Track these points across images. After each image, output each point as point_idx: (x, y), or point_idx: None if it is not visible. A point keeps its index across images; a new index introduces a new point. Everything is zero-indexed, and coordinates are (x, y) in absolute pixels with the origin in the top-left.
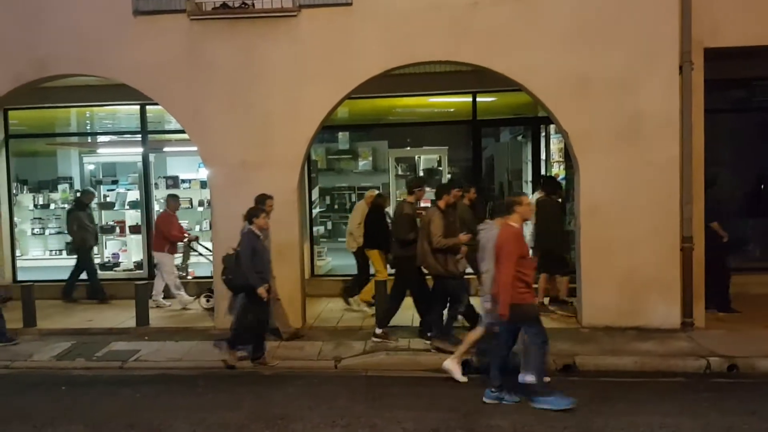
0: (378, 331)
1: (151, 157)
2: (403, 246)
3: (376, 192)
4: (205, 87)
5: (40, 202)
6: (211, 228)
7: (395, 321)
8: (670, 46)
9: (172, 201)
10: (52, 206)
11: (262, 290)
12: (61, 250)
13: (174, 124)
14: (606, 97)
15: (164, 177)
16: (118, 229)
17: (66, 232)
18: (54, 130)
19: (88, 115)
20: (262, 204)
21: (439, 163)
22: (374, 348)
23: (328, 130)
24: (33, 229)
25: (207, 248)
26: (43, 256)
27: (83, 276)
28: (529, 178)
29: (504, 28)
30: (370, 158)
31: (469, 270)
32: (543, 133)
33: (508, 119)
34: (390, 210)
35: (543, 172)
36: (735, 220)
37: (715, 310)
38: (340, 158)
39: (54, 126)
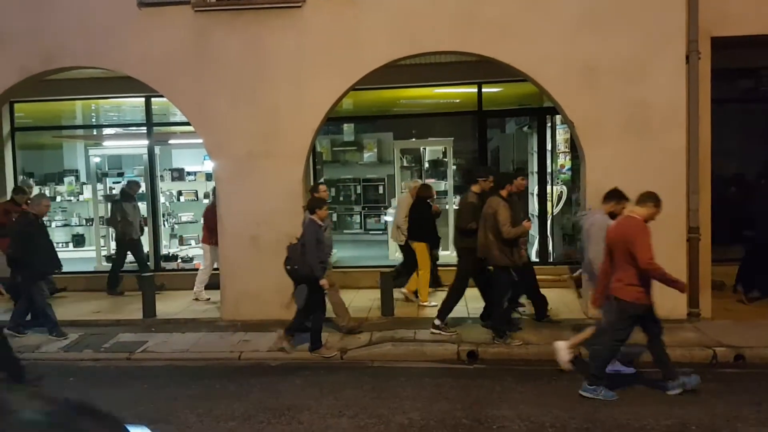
0: (437, 322)
1: (157, 149)
2: (465, 236)
3: (419, 182)
4: (210, 79)
5: (47, 195)
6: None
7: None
8: (677, 36)
9: None
10: (59, 199)
11: (324, 281)
12: (67, 242)
13: (179, 117)
14: (612, 87)
15: (170, 169)
16: None
17: (108, 224)
18: (60, 123)
19: (93, 107)
20: (314, 190)
21: (445, 154)
22: (381, 339)
23: (333, 121)
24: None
25: None
26: None
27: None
28: (535, 169)
29: (510, 18)
30: (375, 150)
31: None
32: (549, 124)
33: (514, 110)
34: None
35: (549, 163)
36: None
37: (758, 293)
38: (345, 150)
39: (60, 118)
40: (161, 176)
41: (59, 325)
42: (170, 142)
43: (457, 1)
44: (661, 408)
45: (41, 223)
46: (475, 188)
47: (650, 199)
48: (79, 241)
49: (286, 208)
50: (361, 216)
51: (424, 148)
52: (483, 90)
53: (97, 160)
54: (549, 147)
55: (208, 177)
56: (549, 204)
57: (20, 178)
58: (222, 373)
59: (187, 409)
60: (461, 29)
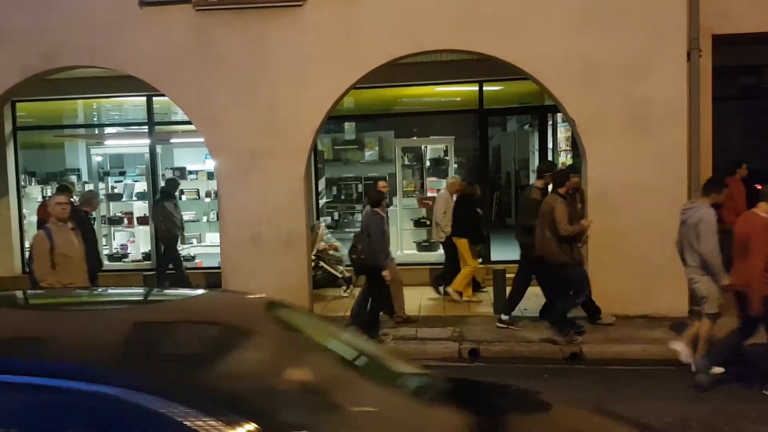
0: (503, 317)
1: (158, 148)
2: (528, 232)
3: (457, 178)
4: (212, 77)
5: (48, 194)
6: (218, 218)
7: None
8: (678, 33)
9: None
10: None
11: (387, 273)
12: None
13: (181, 116)
14: (613, 84)
15: (171, 168)
16: (126, 221)
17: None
18: (61, 122)
19: (95, 106)
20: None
21: (446, 152)
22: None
23: (334, 120)
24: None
25: None
26: None
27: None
28: (536, 167)
29: (511, 16)
30: (377, 148)
31: None
32: (550, 122)
33: (515, 108)
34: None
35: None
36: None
37: None
38: (346, 148)
39: (61, 118)
40: (163, 175)
41: None
42: (172, 141)
43: None
44: (662, 404)
45: (90, 220)
46: (538, 183)
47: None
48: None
49: (288, 207)
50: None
51: (426, 147)
52: (484, 88)
53: (99, 159)
54: (550, 145)
55: (210, 176)
56: None
57: (22, 176)
58: None
59: None
60: (462, 28)
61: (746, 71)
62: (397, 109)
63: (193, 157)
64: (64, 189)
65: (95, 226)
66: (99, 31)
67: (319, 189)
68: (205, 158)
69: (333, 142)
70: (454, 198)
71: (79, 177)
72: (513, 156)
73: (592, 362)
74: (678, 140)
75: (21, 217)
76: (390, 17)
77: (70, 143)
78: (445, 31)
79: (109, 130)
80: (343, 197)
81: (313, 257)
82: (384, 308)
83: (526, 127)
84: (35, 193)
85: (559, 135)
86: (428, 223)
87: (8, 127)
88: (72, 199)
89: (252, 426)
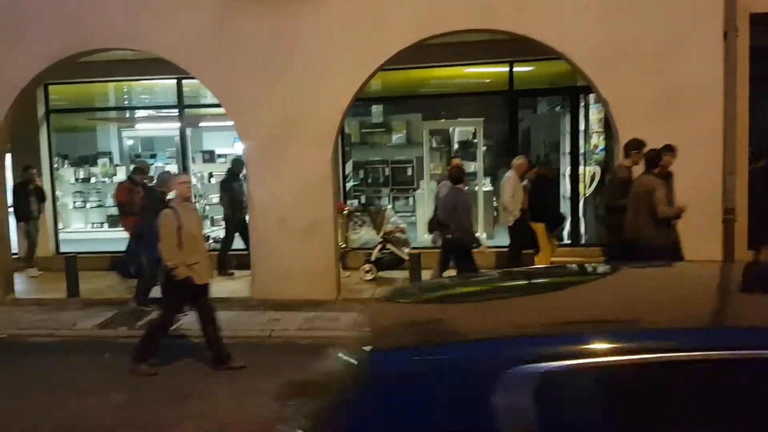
0: None
1: (188, 131)
2: (612, 213)
3: (524, 159)
4: (238, 61)
5: (81, 176)
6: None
7: None
8: (714, 12)
9: None
10: (93, 180)
11: (484, 248)
12: (102, 223)
13: (210, 98)
14: (647, 64)
15: (201, 151)
16: None
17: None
18: (93, 105)
19: (125, 89)
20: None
21: (475, 135)
22: None
23: (361, 103)
24: (75, 202)
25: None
26: (85, 229)
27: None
28: (568, 149)
29: None
30: (404, 131)
31: None
32: (582, 103)
33: (546, 89)
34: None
35: (582, 143)
36: None
37: None
38: (373, 132)
39: (93, 101)
40: (193, 158)
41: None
42: (201, 124)
43: None
44: None
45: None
46: (627, 162)
47: None
48: (114, 221)
49: (315, 190)
50: (389, 198)
51: (454, 129)
52: (514, 69)
53: (131, 142)
54: (582, 127)
55: None
56: (581, 185)
57: (55, 159)
58: (254, 350)
59: (220, 385)
60: (491, 6)
61: None
62: (425, 91)
63: (222, 141)
64: (140, 170)
65: None
66: (129, 14)
67: (346, 172)
68: (234, 142)
69: (360, 125)
70: (525, 181)
71: (111, 160)
72: (544, 139)
73: None
74: (713, 122)
75: (54, 199)
76: None
77: (102, 126)
78: (473, 9)
79: (139, 113)
80: (370, 180)
81: (380, 239)
82: None
83: (558, 108)
84: (68, 175)
85: (591, 117)
86: None
87: (41, 110)
88: (145, 180)
89: None
